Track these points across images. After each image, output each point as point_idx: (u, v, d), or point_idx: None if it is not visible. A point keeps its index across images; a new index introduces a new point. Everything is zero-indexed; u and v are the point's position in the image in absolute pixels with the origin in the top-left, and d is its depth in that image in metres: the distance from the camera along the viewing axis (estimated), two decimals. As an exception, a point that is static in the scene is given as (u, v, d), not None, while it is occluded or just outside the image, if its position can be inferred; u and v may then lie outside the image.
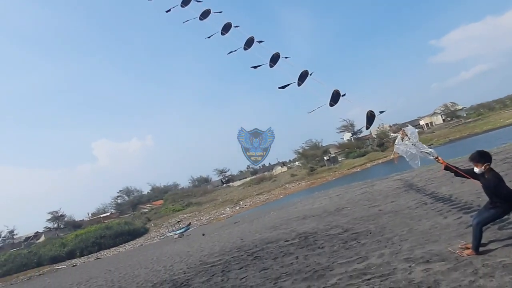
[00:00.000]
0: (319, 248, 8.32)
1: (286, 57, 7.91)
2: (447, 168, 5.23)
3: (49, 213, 68.97)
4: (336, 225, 10.66)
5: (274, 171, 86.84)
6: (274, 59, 8.44)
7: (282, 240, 11.08)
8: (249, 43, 8.16)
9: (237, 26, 8.32)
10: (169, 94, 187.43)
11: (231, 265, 9.61)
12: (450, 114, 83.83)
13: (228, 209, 56.10)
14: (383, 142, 67.07)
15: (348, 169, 59.61)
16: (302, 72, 7.86)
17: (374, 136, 74.32)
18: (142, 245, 43.94)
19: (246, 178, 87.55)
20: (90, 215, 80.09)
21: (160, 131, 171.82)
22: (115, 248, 47.94)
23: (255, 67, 8.33)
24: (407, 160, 5.82)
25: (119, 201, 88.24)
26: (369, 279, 5.14)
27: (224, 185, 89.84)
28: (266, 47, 8.54)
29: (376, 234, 7.86)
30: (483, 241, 5.05)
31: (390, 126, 75.49)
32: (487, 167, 4.74)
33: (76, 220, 73.03)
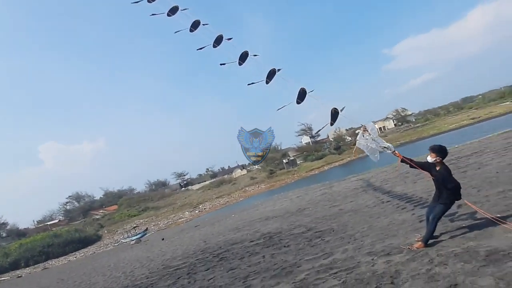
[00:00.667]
0: (284, 246, 8.53)
1: (255, 55, 8.04)
2: (403, 161, 5.74)
3: (-11, 221, 63.51)
4: (300, 225, 10.98)
5: (233, 174, 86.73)
6: (243, 57, 8.51)
7: (247, 240, 11.20)
8: (218, 40, 8.19)
9: (206, 24, 8.33)
10: (124, 95, 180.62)
11: (197, 267, 9.55)
12: (401, 119, 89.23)
13: (187, 213, 55.18)
14: (340, 145, 69.78)
15: (307, 172, 61.25)
16: (270, 70, 7.98)
17: (331, 139, 77.08)
18: (94, 253, 41.86)
19: (205, 181, 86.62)
20: (35, 222, 74.68)
21: (114, 133, 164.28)
22: (65, 257, 45.16)
23: (223, 64, 8.37)
24: (368, 154, 6.25)
25: (68, 207, 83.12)
26: (335, 273, 5.41)
27: (183, 188, 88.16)
28: (229, 47, 8.63)
29: (339, 232, 8.24)
30: (436, 234, 5.57)
31: (346, 130, 78.68)
32: (439, 160, 5.29)
33: (20, 228, 67.68)
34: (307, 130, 79.29)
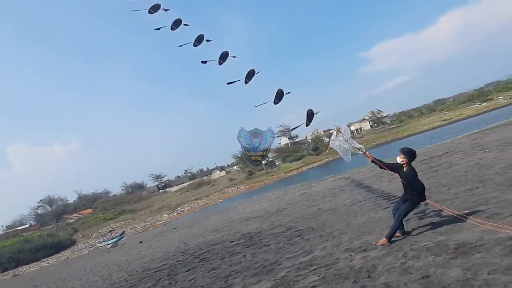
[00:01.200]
0: (265, 246, 8.65)
1: (234, 56, 8.14)
2: (373, 161, 6.03)
3: (-47, 227, 60.39)
4: (279, 224, 11.14)
5: (212, 175, 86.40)
6: (223, 56, 8.58)
7: (228, 241, 11.25)
8: (199, 40, 8.22)
9: (187, 24, 8.35)
10: (98, 96, 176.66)
11: (177, 268, 9.52)
12: (377, 120, 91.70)
13: (165, 215, 54.48)
14: (318, 146, 70.81)
15: (285, 173, 61.84)
16: (249, 71, 8.07)
17: (309, 140, 78.08)
18: (68, 258, 40.67)
19: (183, 183, 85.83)
20: (4, 228, 71.85)
21: (87, 135, 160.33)
22: (37, 263, 43.63)
23: (204, 62, 8.39)
24: (341, 154, 6.50)
25: (39, 211, 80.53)
26: (315, 269, 5.58)
27: (161, 191, 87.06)
28: (209, 48, 8.67)
29: (318, 230, 8.44)
30: (408, 230, 5.89)
31: (324, 131, 79.87)
32: (405, 161, 5.64)
33: (-13, 234, 64.79)
34: (285, 132, 80.00)
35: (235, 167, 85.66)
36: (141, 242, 23.90)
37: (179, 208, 57.38)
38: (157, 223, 48.63)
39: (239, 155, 76.62)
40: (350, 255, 5.70)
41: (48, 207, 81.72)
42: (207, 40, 8.63)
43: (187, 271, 8.75)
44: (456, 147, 17.93)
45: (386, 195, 10.20)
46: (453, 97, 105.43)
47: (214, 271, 7.73)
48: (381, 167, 5.99)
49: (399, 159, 5.70)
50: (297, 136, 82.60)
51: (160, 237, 22.92)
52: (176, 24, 8.57)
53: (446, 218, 6.02)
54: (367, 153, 6.11)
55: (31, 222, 75.45)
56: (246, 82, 8.11)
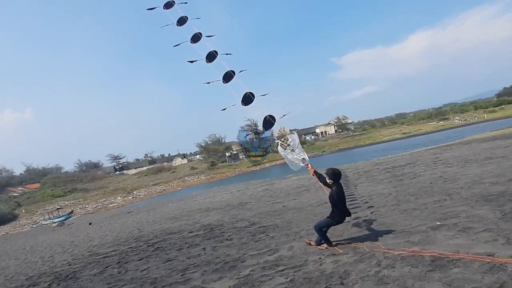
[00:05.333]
0: (227, 240, 8.21)
1: (227, 54, 7.77)
2: (313, 174, 6.25)
3: None
4: (242, 219, 10.74)
5: (173, 162, 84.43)
6: (196, 38, 8.17)
7: (186, 231, 10.68)
8: (181, 21, 7.77)
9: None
10: (60, 63, 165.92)
11: (129, 256, 8.82)
12: (341, 126, 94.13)
13: (119, 198, 52.36)
14: (282, 145, 71.27)
15: (248, 167, 61.54)
16: (227, 72, 7.74)
17: (275, 138, 78.41)
18: (7, 233, 37.84)
19: (143, 167, 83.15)
20: None
21: (44, 105, 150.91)
22: (-30, 235, 40.11)
23: (191, 61, 7.95)
24: (287, 163, 6.60)
25: (-21, 181, 74.24)
26: (282, 270, 5.22)
27: (117, 172, 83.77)
28: (187, 30, 8.26)
29: (284, 228, 8.13)
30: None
31: (290, 131, 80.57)
32: (330, 182, 5.80)
33: None
34: (252, 126, 79.68)
35: (197, 156, 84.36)
36: (90, 224, 22.54)
37: (135, 192, 55.35)
38: (110, 205, 46.53)
39: (203, 145, 75.51)
40: (320, 258, 5.40)
41: (-10, 177, 75.74)
42: (208, 37, 8.21)
43: (140, 259, 8.09)
44: (417, 159, 18.52)
45: (353, 198, 10.11)
46: (413, 112, 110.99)
47: (170, 263, 7.16)
48: (318, 181, 6.18)
49: (328, 180, 5.86)
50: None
51: (112, 221, 21.71)
52: (169, 5, 8.17)
53: (419, 228, 5.91)
54: (309, 165, 6.30)
55: (-31, 191, 69.49)
56: (224, 82, 7.79)
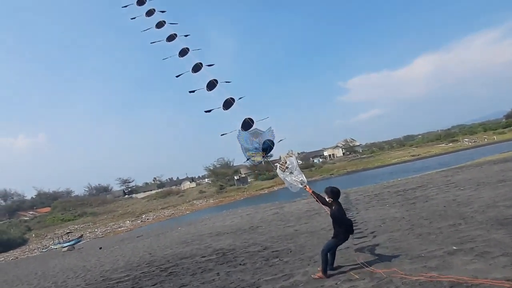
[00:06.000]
0: (240, 264, 8.20)
1: (227, 82, 7.98)
2: (312, 194, 6.32)
3: None
4: (254, 243, 10.72)
5: (182, 186, 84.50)
6: (196, 68, 8.38)
7: (198, 255, 10.67)
8: (183, 52, 8.10)
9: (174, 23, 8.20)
10: (72, 89, 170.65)
11: (142, 281, 8.84)
12: (349, 148, 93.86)
13: (128, 222, 52.25)
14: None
15: (256, 191, 61.31)
16: (227, 99, 7.84)
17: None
18: (17, 258, 37.72)
19: (151, 190, 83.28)
20: (-51, 218, 66.01)
21: (57, 129, 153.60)
22: (-20, 260, 40.10)
23: (192, 91, 8.17)
24: (287, 185, 6.69)
25: (-8, 205, 75.00)
26: (299, 296, 5.23)
27: (126, 196, 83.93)
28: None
29: (297, 253, 8.11)
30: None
31: (298, 154, 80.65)
32: (330, 200, 5.94)
33: None
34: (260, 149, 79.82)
35: (206, 179, 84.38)
36: (101, 248, 22.53)
37: (143, 216, 55.22)
38: (119, 229, 46.42)
39: (211, 168, 75.67)
40: (336, 284, 5.40)
41: (2, 201, 76.54)
42: (209, 65, 8.47)
43: (153, 285, 8.11)
44: (428, 182, 18.37)
45: (366, 221, 10.07)
46: (422, 134, 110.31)
47: (184, 288, 7.18)
48: (317, 201, 6.25)
49: (327, 199, 5.99)
50: (271, 155, 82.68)
51: (122, 245, 21.68)
52: (171, 38, 8.53)
53: (435, 252, 5.89)
54: (307, 186, 6.40)
55: (-20, 215, 70.05)
56: (224, 109, 7.92)
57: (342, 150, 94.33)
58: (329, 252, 5.87)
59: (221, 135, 8.01)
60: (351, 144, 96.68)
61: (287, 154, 7.52)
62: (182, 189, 79.25)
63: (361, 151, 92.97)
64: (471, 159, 35.46)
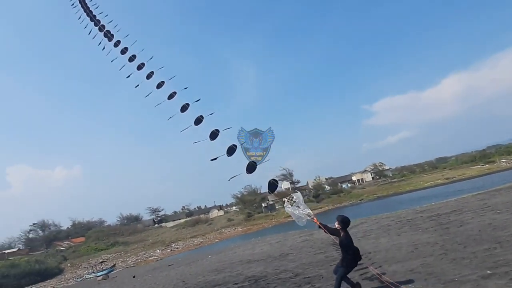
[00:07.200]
0: (273, 291, 8.36)
1: (210, 114, 8.46)
2: (320, 226, 6.46)
3: None
4: (285, 270, 10.82)
5: (210, 214, 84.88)
6: (214, 135, 8.66)
7: (231, 283, 10.88)
8: (198, 121, 8.62)
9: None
10: (105, 124, 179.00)
11: (178, 307, 9.13)
12: (379, 173, 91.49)
13: (158, 251, 52.92)
14: (319, 194, 70.20)
15: (285, 218, 60.53)
16: (230, 146, 8.10)
17: (310, 187, 77.56)
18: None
19: (180, 219, 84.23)
20: (-9, 250, 69.35)
21: (91, 161, 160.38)
22: (19, 291, 41.70)
23: (214, 159, 8.51)
24: (294, 219, 6.90)
25: (31, 235, 78.22)
26: (332, 320, 5.36)
27: (156, 225, 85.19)
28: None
29: (329, 279, 8.18)
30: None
31: (326, 179, 79.71)
32: (339, 228, 6.26)
33: (-27, 254, 62.57)
34: (287, 176, 79.63)
35: (234, 207, 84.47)
36: (134, 277, 23.03)
37: (173, 245, 55.80)
38: (150, 258, 47.08)
39: (239, 196, 75.89)
40: (369, 308, 5.50)
41: (40, 231, 79.73)
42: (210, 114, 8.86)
43: (190, 311, 8.38)
44: (463, 206, 17.78)
45: (397, 248, 9.98)
46: (455, 156, 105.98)
47: (220, 313, 7.41)
48: (325, 232, 6.45)
49: (336, 225, 6.31)
50: (298, 182, 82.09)
51: (154, 273, 22.10)
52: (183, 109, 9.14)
53: (469, 277, 5.87)
54: (314, 218, 6.60)
55: (20, 246, 73.17)
56: (228, 155, 8.22)
57: (371, 175, 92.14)
58: (342, 280, 6.16)
59: (229, 179, 8.14)
60: (380, 168, 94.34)
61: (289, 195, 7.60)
62: (211, 217, 79.60)
63: (391, 175, 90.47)
64: (510, 181, 33.79)
